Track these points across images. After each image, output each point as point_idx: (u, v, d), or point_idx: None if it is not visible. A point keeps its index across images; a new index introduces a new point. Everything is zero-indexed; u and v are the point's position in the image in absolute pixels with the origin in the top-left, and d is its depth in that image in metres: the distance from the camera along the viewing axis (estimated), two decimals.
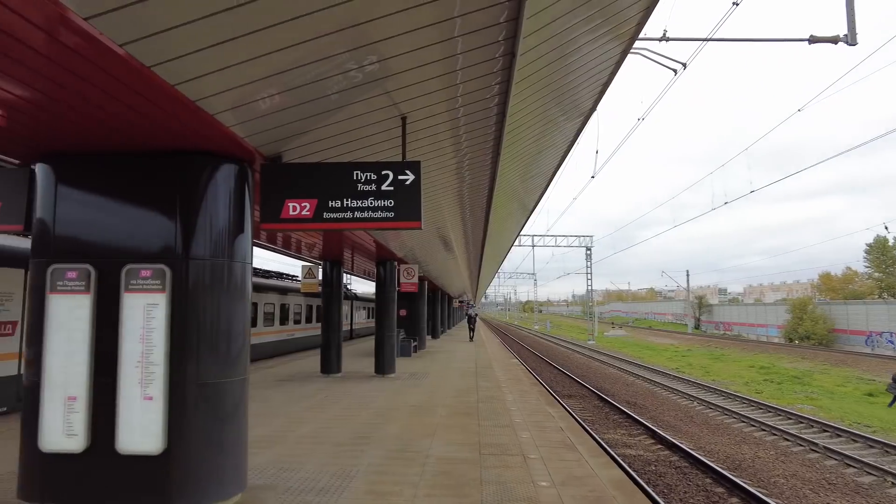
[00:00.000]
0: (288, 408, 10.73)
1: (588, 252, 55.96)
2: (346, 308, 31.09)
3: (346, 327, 30.20)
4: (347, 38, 3.95)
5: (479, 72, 5.16)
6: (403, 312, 25.48)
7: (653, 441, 12.59)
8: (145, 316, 5.03)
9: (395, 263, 17.37)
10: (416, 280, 19.07)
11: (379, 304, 17.05)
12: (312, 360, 19.75)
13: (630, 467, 9.91)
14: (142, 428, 5.01)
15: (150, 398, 5.03)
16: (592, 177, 19.93)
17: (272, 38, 3.64)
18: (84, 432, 5.04)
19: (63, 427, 5.06)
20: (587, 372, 27.39)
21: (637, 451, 11.63)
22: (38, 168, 5.42)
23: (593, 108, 8.78)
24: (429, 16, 3.93)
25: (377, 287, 17.31)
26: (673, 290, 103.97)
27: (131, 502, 5.07)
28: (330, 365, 16.38)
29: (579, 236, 55.70)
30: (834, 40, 9.89)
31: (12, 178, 5.58)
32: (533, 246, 54.87)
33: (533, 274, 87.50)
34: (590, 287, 59.67)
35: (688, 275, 70.01)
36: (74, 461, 5.08)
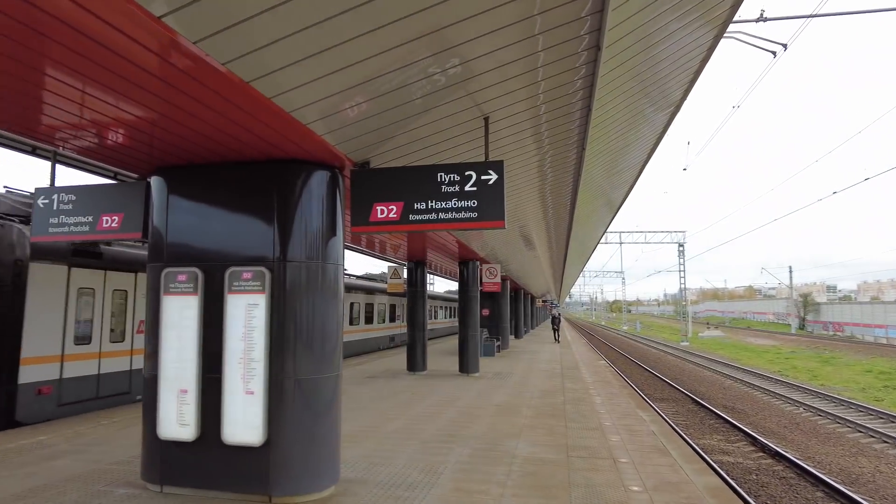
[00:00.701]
0: (377, 404, 11.07)
1: (680, 248, 53.33)
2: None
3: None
4: (430, 42, 4.03)
5: (562, 67, 5.09)
6: (486, 312, 25.52)
7: (753, 448, 11.84)
8: (247, 315, 5.39)
9: (478, 263, 17.44)
10: (498, 279, 19.05)
11: (462, 304, 17.18)
12: (399, 358, 20.25)
13: (728, 475, 9.39)
14: (244, 420, 5.36)
15: (252, 393, 5.37)
16: (684, 169, 19.06)
17: (359, 48, 3.78)
18: (195, 423, 5.47)
19: (177, 417, 5.52)
20: (680, 374, 26.19)
21: (735, 459, 10.99)
22: (153, 181, 5.95)
23: (683, 99, 8.40)
24: (509, 15, 3.93)
25: (460, 286, 17.45)
26: (774, 288, 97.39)
27: (235, 489, 5.45)
28: (415, 363, 16.73)
29: (671, 232, 53.17)
30: None
31: (132, 192, 6.16)
32: (620, 243, 53.11)
33: (620, 272, 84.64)
34: (682, 285, 56.87)
35: (790, 271, 65.17)
36: (187, 449, 5.53)
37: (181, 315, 5.56)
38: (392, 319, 28.45)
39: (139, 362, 10.60)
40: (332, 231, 5.79)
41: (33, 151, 8.69)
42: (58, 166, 6.94)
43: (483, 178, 5.10)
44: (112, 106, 4.18)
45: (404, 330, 27.52)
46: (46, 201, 6.47)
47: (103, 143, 5.16)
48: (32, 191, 8.87)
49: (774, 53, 9.69)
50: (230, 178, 5.69)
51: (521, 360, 21.33)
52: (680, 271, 54.48)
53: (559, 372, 17.24)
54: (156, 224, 5.87)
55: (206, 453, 5.49)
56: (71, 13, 2.84)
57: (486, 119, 5.60)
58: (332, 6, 3.23)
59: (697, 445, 11.41)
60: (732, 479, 9.23)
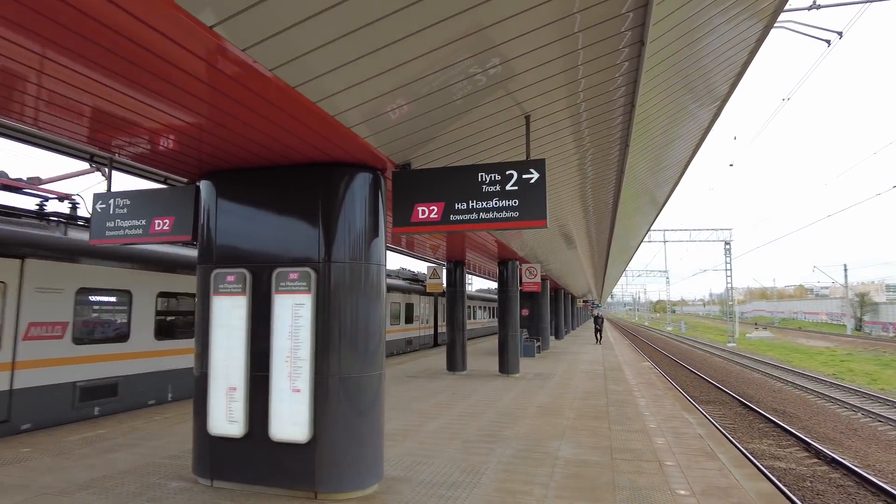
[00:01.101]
0: (418, 403, 11.14)
1: (727, 247, 51.70)
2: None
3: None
4: (471, 43, 4.04)
5: (604, 64, 5.02)
6: (526, 312, 25.34)
7: (807, 454, 11.40)
8: (293, 315, 5.51)
9: (518, 263, 17.34)
10: (538, 279, 18.90)
11: (501, 304, 17.11)
12: (437, 358, 20.32)
13: (780, 481, 9.07)
14: (291, 418, 5.48)
15: (298, 391, 5.48)
16: (731, 165, 18.50)
17: (401, 51, 3.82)
18: (243, 419, 5.63)
19: (226, 414, 5.69)
20: (727, 376, 25.43)
21: (788, 464, 10.60)
22: (202, 185, 6.15)
23: (730, 93, 8.16)
24: (550, 14, 3.90)
25: (499, 286, 17.39)
26: (827, 287, 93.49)
27: (282, 485, 5.58)
28: (455, 363, 16.76)
29: (717, 230, 51.61)
30: None
31: (182, 195, 6.38)
32: (664, 241, 51.88)
33: (665, 271, 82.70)
34: (729, 284, 55.11)
35: (845, 269, 62.50)
36: (236, 445, 5.70)
37: (230, 315, 5.74)
38: (409, 321, 25.11)
39: (27, 379, 8.30)
40: (374, 232, 5.87)
41: (91, 159, 9.11)
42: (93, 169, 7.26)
43: (524, 177, 5.08)
44: (164, 113, 4.35)
45: (423, 332, 26.37)
46: (104, 206, 6.76)
47: (155, 149, 5.36)
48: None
49: (829, 42, 9.31)
50: (276, 181, 5.83)
51: (562, 361, 21.11)
52: (726, 270, 52.83)
53: (602, 373, 16.98)
54: (205, 226, 6.07)
55: (255, 449, 5.64)
56: (128, 25, 2.97)
57: (527, 118, 5.57)
58: (374, 10, 3.27)
59: (746, 450, 11.06)
60: (785, 485, 8.91)
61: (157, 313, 10.77)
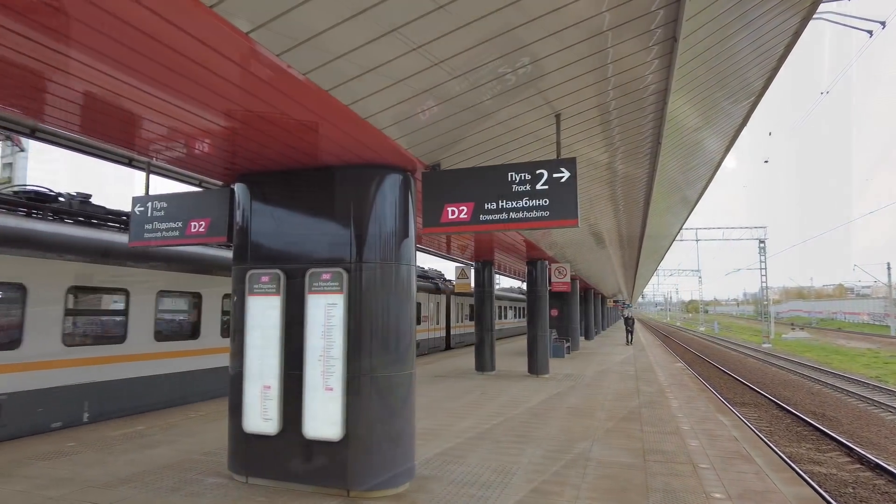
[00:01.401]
0: (448, 403, 11.17)
1: (761, 245, 50.42)
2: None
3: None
4: (501, 44, 4.04)
5: (635, 61, 4.97)
6: (555, 312, 25.15)
7: (849, 459, 11.05)
8: (326, 314, 5.59)
9: (546, 262, 17.24)
10: (567, 279, 18.75)
11: (530, 304, 17.03)
12: (466, 358, 20.32)
13: (821, 486, 8.81)
14: (324, 416, 5.56)
15: (331, 389, 5.56)
16: (766, 161, 18.03)
17: (431, 53, 3.85)
18: (277, 417, 5.73)
19: (261, 412, 5.80)
20: (762, 378, 24.81)
21: (829, 470, 10.29)
22: (237, 187, 6.28)
23: (765, 88, 7.97)
24: (580, 12, 3.88)
25: (528, 286, 17.31)
26: (869, 287, 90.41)
27: (315, 483, 5.66)
28: (484, 363, 16.74)
29: (751, 228, 50.36)
30: None
31: (217, 198, 6.53)
32: (697, 240, 50.85)
33: (697, 270, 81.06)
34: (764, 283, 53.70)
35: (889, 268, 60.28)
36: (270, 442, 5.80)
37: (264, 314, 5.85)
38: (416, 321, 24.05)
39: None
40: (404, 233, 5.91)
41: (129, 163, 9.38)
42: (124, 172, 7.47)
43: (555, 176, 5.05)
44: (200, 118, 4.46)
45: (433, 334, 24.40)
46: (142, 209, 6.96)
47: (191, 153, 5.50)
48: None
49: (871, 33, 9.02)
50: (309, 183, 5.93)
51: (592, 361, 20.90)
52: (761, 269, 51.47)
53: (633, 374, 16.76)
54: (240, 228, 6.20)
55: (289, 447, 5.74)
56: (169, 34, 3.06)
57: (558, 116, 5.54)
58: (405, 14, 3.30)
59: (784, 453, 10.78)
60: (826, 491, 8.66)
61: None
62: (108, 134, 5.00)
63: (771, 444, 11.38)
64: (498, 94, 4.88)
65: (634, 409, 10.79)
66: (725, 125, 9.66)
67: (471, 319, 31.46)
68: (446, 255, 18.87)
